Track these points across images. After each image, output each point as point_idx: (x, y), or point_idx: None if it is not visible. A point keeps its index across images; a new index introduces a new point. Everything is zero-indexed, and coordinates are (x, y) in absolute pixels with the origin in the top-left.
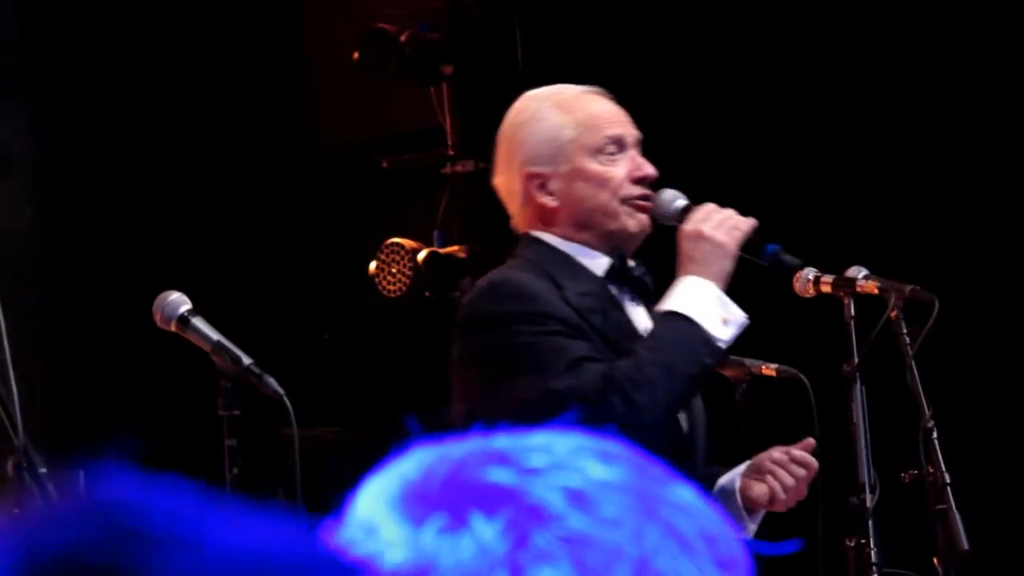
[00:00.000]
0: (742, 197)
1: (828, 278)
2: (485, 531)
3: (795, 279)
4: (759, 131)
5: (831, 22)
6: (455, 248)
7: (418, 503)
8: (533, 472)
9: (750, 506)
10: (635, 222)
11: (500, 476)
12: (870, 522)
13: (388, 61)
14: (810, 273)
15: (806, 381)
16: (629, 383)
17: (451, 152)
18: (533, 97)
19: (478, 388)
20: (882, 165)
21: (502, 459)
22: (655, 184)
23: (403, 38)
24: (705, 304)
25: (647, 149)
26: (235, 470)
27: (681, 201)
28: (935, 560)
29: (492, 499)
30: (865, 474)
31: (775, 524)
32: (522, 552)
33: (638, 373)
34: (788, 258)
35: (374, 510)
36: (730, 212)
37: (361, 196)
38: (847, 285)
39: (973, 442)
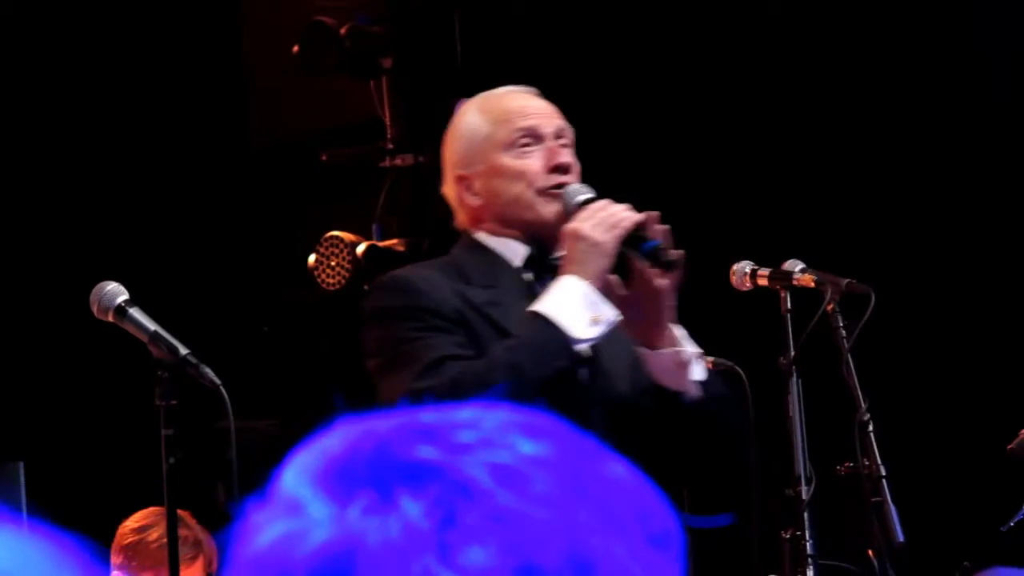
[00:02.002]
0: (680, 194)
1: (765, 271)
2: (412, 509)
3: (731, 272)
4: (696, 127)
5: (756, 21)
6: (394, 241)
7: (344, 480)
8: (461, 448)
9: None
10: (550, 210)
11: (427, 452)
12: (806, 514)
13: (328, 54)
14: (747, 266)
15: (742, 374)
16: (477, 384)
17: (390, 146)
18: (467, 102)
19: (374, 380)
20: (818, 160)
21: (429, 435)
22: (592, 180)
23: (343, 31)
24: (573, 305)
25: (583, 147)
26: (172, 460)
27: (583, 196)
28: (870, 552)
29: (419, 476)
30: (801, 466)
31: (708, 501)
32: (450, 530)
33: (488, 375)
34: (666, 254)
35: (299, 488)
36: (617, 209)
37: (300, 189)
38: (783, 278)
39: (908, 435)
